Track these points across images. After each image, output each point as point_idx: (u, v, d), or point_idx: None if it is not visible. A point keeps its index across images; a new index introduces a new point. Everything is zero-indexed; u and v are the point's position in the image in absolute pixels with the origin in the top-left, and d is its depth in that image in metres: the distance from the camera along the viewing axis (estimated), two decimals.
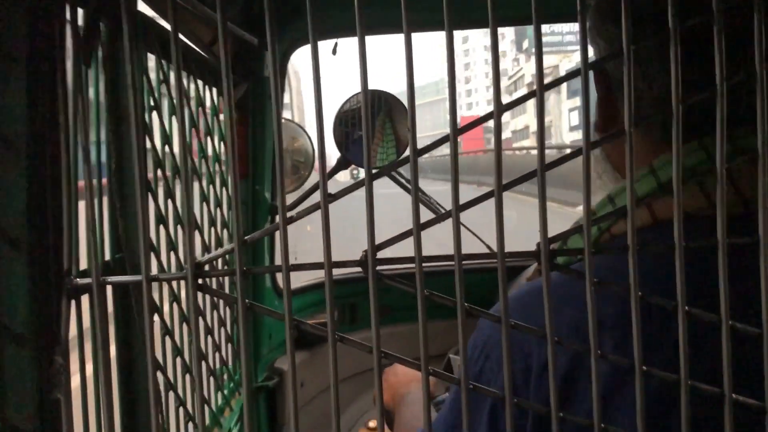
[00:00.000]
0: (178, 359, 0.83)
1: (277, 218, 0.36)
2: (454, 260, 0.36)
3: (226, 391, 1.17)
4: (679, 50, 0.66)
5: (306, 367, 1.64)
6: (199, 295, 0.38)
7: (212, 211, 1.08)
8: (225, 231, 1.16)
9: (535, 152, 0.35)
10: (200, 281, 0.38)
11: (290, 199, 1.60)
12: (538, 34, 0.35)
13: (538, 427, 0.62)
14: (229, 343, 1.17)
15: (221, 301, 1.10)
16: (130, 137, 0.57)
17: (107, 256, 0.67)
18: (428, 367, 0.37)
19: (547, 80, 0.36)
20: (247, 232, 1.32)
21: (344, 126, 1.47)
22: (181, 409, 0.83)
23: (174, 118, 0.79)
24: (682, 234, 0.34)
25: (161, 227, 0.78)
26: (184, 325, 0.86)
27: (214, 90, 1.12)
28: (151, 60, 0.80)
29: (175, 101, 0.83)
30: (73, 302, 0.44)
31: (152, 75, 0.80)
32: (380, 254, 0.37)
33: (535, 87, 0.34)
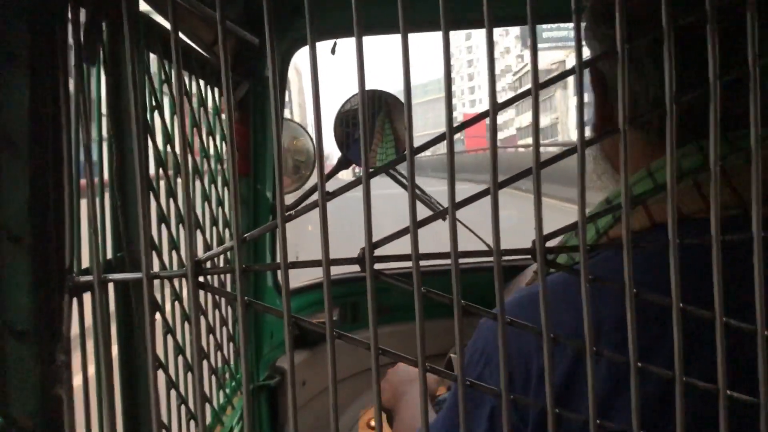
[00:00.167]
0: (180, 358, 0.84)
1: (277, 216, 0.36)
2: (450, 258, 0.36)
3: (227, 390, 1.17)
4: (674, 51, 0.66)
5: (307, 367, 1.65)
6: (201, 293, 0.38)
7: (214, 210, 1.09)
8: (227, 230, 1.16)
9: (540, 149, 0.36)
10: (201, 279, 0.38)
11: (292, 198, 1.60)
12: (534, 35, 0.35)
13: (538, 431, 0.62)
14: (231, 342, 1.17)
15: (222, 300, 1.10)
16: (132, 136, 0.58)
17: (109, 254, 0.67)
18: (425, 364, 0.38)
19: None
20: (248, 230, 1.32)
21: (345, 126, 1.47)
22: (182, 408, 0.84)
23: (175, 118, 0.80)
24: (675, 229, 0.35)
25: (163, 226, 0.78)
26: (186, 324, 0.86)
27: (216, 89, 1.12)
28: (153, 60, 0.80)
29: (176, 100, 0.83)
30: (75, 300, 0.45)
31: (155, 74, 0.81)
32: (378, 252, 0.37)
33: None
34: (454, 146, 0.36)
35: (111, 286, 0.65)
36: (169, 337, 0.79)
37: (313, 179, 1.57)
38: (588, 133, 0.71)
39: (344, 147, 1.49)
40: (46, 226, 0.41)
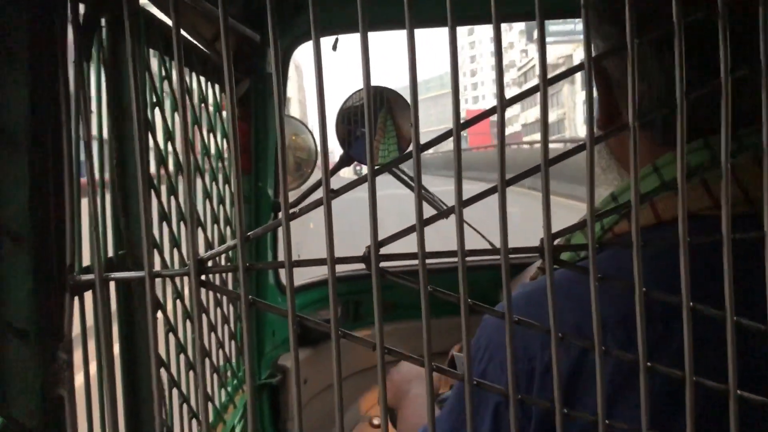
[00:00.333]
0: (182, 356, 0.83)
1: (280, 214, 0.36)
2: (457, 256, 0.36)
3: (229, 388, 1.17)
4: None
5: (310, 365, 1.65)
6: (203, 292, 0.38)
7: (215, 208, 1.08)
8: (228, 228, 1.16)
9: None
10: (203, 277, 0.38)
11: (293, 196, 1.60)
12: (542, 30, 0.34)
13: (540, 429, 0.62)
14: (233, 340, 1.17)
15: (224, 298, 1.10)
16: (132, 133, 0.57)
17: (111, 253, 0.67)
18: (432, 363, 0.37)
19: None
20: (250, 228, 1.32)
21: (347, 123, 1.47)
22: (184, 406, 0.83)
23: (176, 115, 0.80)
24: (686, 228, 0.34)
25: (164, 224, 0.78)
26: (188, 322, 0.86)
27: (217, 86, 1.12)
28: (155, 57, 0.79)
29: (177, 97, 0.83)
30: (76, 299, 0.44)
31: (157, 71, 0.80)
32: (384, 251, 0.37)
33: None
34: (461, 143, 0.36)
35: (112, 285, 0.65)
36: (171, 336, 0.79)
37: (315, 176, 1.57)
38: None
39: (346, 144, 1.48)
40: (47, 224, 0.40)
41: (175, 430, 0.82)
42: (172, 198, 0.79)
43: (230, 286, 1.13)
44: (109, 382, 0.39)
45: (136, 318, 0.65)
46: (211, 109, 1.08)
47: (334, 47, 1.39)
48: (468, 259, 0.36)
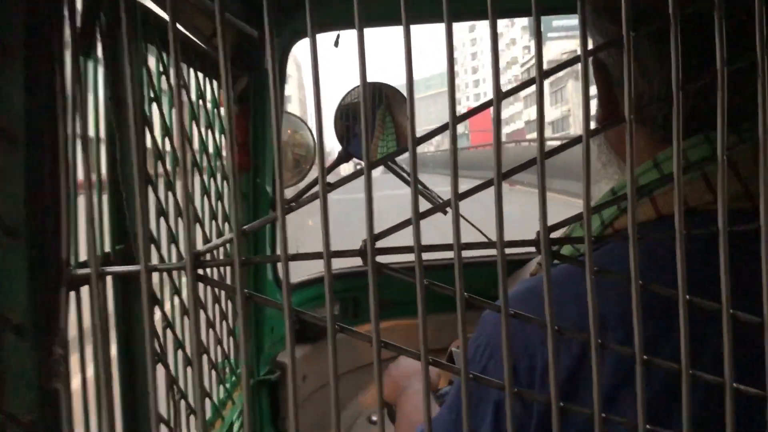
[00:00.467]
0: (179, 352, 0.83)
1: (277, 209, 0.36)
2: (453, 249, 0.36)
3: (228, 385, 1.17)
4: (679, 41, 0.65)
5: (308, 361, 1.65)
6: (201, 287, 0.38)
7: (213, 204, 1.08)
8: (227, 224, 1.16)
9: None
10: (200, 272, 0.38)
11: (292, 192, 1.60)
12: (538, 26, 0.34)
13: (541, 427, 0.62)
14: (231, 337, 1.17)
15: (222, 295, 1.10)
16: (130, 129, 0.57)
17: (110, 248, 0.67)
18: (428, 357, 0.37)
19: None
20: (248, 224, 1.32)
21: (345, 120, 1.47)
22: (182, 402, 0.83)
23: (174, 110, 0.79)
24: (682, 220, 0.34)
25: (162, 220, 0.78)
26: (186, 318, 0.86)
27: (215, 83, 1.11)
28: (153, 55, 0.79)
29: (177, 95, 0.83)
30: (73, 293, 0.44)
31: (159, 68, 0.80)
32: (380, 245, 0.37)
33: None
34: (457, 136, 0.36)
35: (110, 280, 0.65)
36: (169, 332, 0.79)
37: (314, 173, 1.57)
38: (593, 125, 0.71)
39: (344, 141, 1.48)
40: (43, 219, 0.40)
41: (173, 425, 0.82)
42: (170, 193, 0.79)
43: (228, 282, 1.13)
44: (104, 376, 0.39)
45: (133, 313, 0.65)
46: (209, 105, 1.07)
47: (336, 44, 1.39)
48: (467, 255, 0.36)
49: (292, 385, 0.39)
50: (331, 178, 0.38)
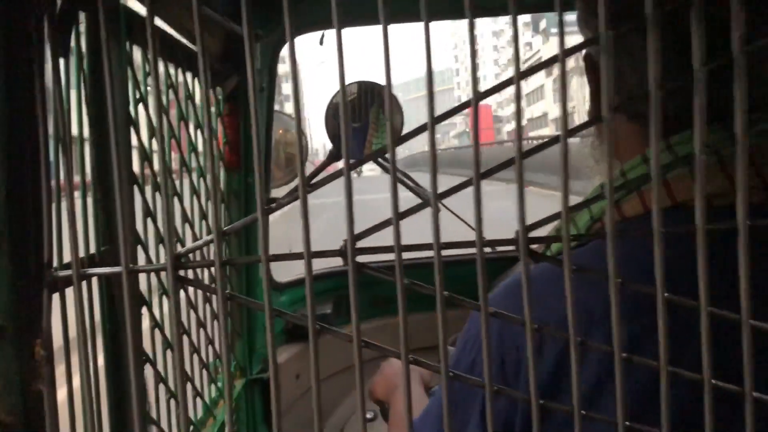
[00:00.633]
0: (169, 352, 0.83)
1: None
2: (433, 248, 0.36)
3: (220, 384, 1.17)
4: (671, 40, 0.65)
5: (301, 359, 1.65)
6: (192, 288, 0.38)
7: (203, 204, 1.08)
8: (220, 221, 1.15)
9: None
10: (182, 273, 0.38)
11: (285, 190, 1.59)
12: (515, 23, 0.34)
13: (528, 420, 0.62)
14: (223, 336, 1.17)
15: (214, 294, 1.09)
16: (110, 129, 0.57)
17: (96, 249, 0.67)
18: (409, 356, 0.37)
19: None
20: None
21: (337, 118, 1.47)
22: (172, 402, 0.83)
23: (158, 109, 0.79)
24: (660, 218, 0.34)
25: (149, 221, 0.77)
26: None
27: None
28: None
29: (156, 89, 0.82)
30: (58, 295, 0.44)
31: (141, 68, 0.80)
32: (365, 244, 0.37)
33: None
34: (435, 137, 0.36)
35: (97, 281, 0.65)
36: (157, 332, 0.79)
37: (308, 172, 1.56)
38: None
39: (337, 139, 1.48)
40: (24, 221, 0.40)
41: (163, 425, 0.82)
42: (158, 194, 0.79)
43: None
44: (86, 377, 0.39)
45: (119, 314, 0.65)
46: (198, 104, 1.07)
47: (321, 42, 1.39)
48: (461, 252, 0.36)
49: (275, 386, 0.39)
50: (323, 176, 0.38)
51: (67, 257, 0.50)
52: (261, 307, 0.38)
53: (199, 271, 0.99)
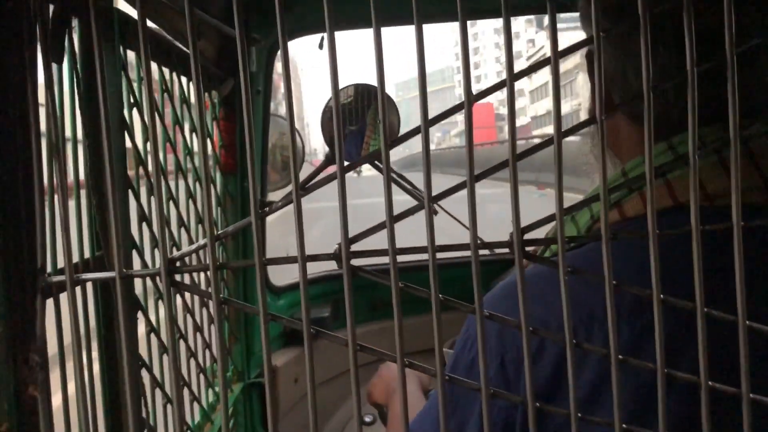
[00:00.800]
0: (165, 357, 0.83)
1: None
2: (428, 252, 0.36)
3: (217, 388, 1.16)
4: (674, 41, 0.65)
5: (300, 363, 1.64)
6: (187, 292, 0.38)
7: (200, 208, 1.08)
8: (214, 228, 1.15)
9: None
10: (177, 277, 0.38)
11: (281, 194, 1.59)
12: (508, 26, 0.34)
13: (527, 418, 0.62)
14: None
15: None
16: (103, 133, 0.57)
17: (90, 254, 0.67)
18: (404, 360, 0.37)
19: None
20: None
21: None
22: (169, 407, 0.83)
23: (156, 115, 0.79)
24: (654, 220, 0.34)
25: (144, 225, 0.77)
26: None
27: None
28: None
29: (149, 93, 0.82)
30: (52, 300, 0.44)
31: (136, 72, 0.80)
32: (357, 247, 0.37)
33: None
34: (429, 140, 0.36)
35: (92, 286, 0.64)
36: (153, 337, 0.79)
37: (304, 174, 1.56)
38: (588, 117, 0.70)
39: (333, 143, 1.48)
40: (17, 226, 0.40)
41: (160, 430, 0.81)
42: (153, 198, 0.79)
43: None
44: (80, 382, 0.39)
45: (114, 319, 0.65)
46: (193, 108, 1.07)
47: (321, 46, 1.39)
48: (459, 254, 0.36)
49: (270, 390, 0.39)
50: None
51: (60, 262, 0.50)
52: (256, 312, 0.38)
53: (196, 274, 0.99)
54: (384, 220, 0.36)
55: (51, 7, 0.49)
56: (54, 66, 0.48)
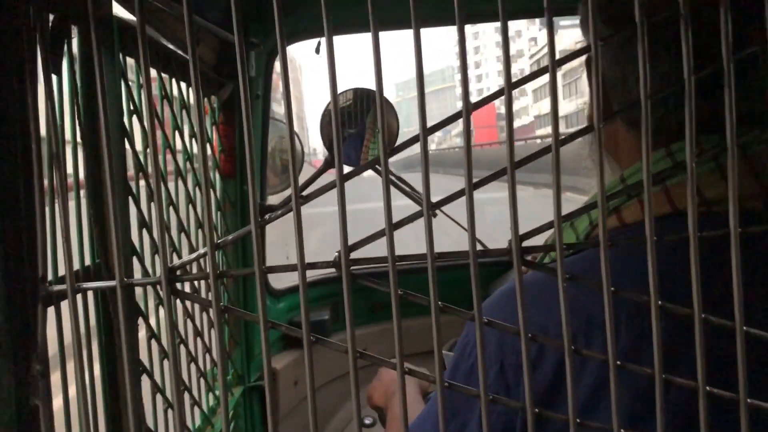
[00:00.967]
0: (166, 363, 0.83)
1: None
2: (427, 259, 0.36)
3: (217, 392, 1.17)
4: (674, 49, 0.65)
5: (300, 366, 1.64)
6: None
7: (199, 213, 1.08)
8: (214, 233, 1.15)
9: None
10: (177, 285, 0.38)
11: (280, 198, 1.59)
12: (505, 32, 0.35)
13: (527, 423, 0.62)
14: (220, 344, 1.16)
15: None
16: (103, 140, 0.57)
17: (91, 262, 0.67)
18: (404, 366, 0.37)
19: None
20: (235, 231, 1.32)
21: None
22: (170, 412, 0.83)
23: (157, 123, 0.79)
24: (652, 229, 0.34)
25: (144, 232, 0.77)
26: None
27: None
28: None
29: (149, 100, 0.82)
30: (53, 309, 0.44)
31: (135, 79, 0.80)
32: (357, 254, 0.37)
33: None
34: (428, 146, 0.36)
35: (92, 293, 0.65)
36: (154, 343, 0.79)
37: (303, 178, 1.56)
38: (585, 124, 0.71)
39: (332, 146, 1.48)
40: (18, 235, 0.40)
41: None
42: (153, 205, 0.79)
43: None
44: (82, 390, 0.39)
45: (114, 326, 0.65)
46: (193, 114, 1.07)
47: (317, 50, 1.39)
48: (441, 261, 0.36)
49: (270, 396, 0.39)
50: (321, 182, 0.38)
51: (60, 270, 0.50)
52: (256, 319, 0.38)
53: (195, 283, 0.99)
54: (383, 228, 0.36)
55: (50, 17, 0.50)
56: (53, 75, 0.48)
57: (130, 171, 0.74)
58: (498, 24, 0.35)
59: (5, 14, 0.38)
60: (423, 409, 0.76)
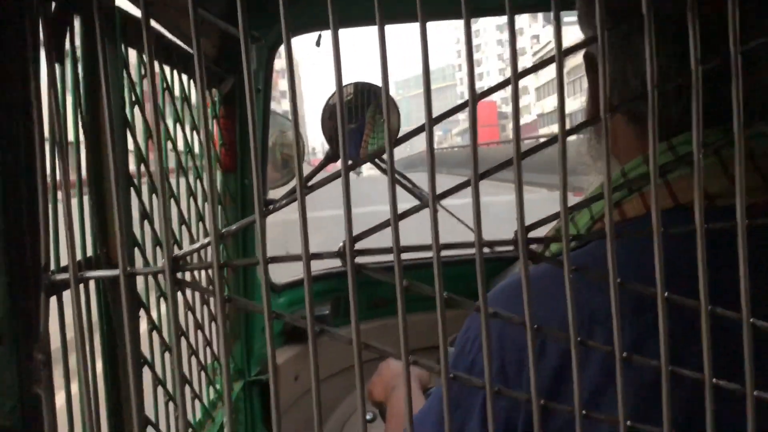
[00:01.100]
0: (167, 355, 0.83)
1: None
2: (432, 249, 0.36)
3: (218, 386, 1.17)
4: (675, 42, 0.65)
5: (301, 360, 1.64)
6: (189, 290, 0.38)
7: (200, 206, 1.08)
8: (218, 221, 1.15)
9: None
10: (179, 275, 0.38)
11: (281, 192, 1.59)
12: (512, 26, 0.34)
13: (530, 420, 0.62)
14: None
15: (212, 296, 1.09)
16: (105, 131, 0.57)
17: (93, 252, 0.67)
18: (409, 358, 0.37)
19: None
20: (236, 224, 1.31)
21: (333, 119, 1.46)
22: (171, 404, 0.83)
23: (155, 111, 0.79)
24: (659, 222, 0.34)
25: (146, 223, 0.77)
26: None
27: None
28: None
29: (152, 92, 0.82)
30: (56, 298, 0.44)
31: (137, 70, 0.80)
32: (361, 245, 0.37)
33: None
34: (433, 139, 0.36)
35: (95, 283, 0.64)
36: (155, 335, 0.79)
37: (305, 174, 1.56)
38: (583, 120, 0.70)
39: (333, 141, 1.48)
40: (21, 224, 0.40)
41: (162, 427, 0.81)
42: (155, 196, 0.79)
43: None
44: (84, 380, 0.39)
45: (116, 317, 0.65)
46: (194, 107, 1.07)
47: (318, 43, 1.39)
48: (463, 252, 0.36)
49: (275, 388, 0.39)
50: (320, 177, 0.38)
51: (64, 260, 0.50)
52: (260, 310, 0.38)
53: (197, 272, 0.99)
54: (388, 219, 0.36)
55: (53, 5, 0.50)
56: (56, 65, 0.48)
57: (132, 164, 0.74)
58: (499, 21, 0.35)
59: (8, 2, 0.38)
60: (424, 404, 0.76)
